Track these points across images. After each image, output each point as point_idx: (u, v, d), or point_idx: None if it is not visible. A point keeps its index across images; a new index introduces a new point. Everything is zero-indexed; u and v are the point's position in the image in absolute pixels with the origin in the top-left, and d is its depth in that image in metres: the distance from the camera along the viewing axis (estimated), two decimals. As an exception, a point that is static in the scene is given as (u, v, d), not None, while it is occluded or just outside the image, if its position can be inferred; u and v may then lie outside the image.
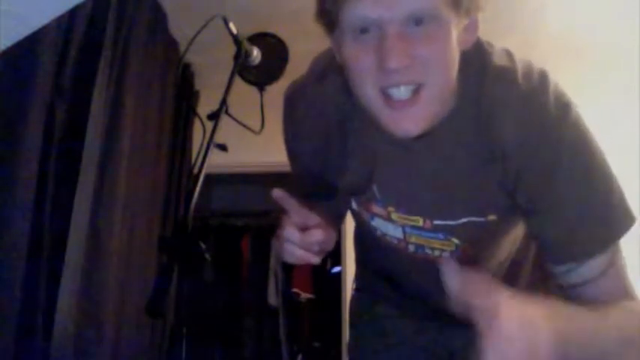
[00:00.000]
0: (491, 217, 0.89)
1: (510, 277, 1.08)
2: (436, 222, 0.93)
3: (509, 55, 0.87)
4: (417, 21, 0.74)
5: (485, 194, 0.87)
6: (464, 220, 0.90)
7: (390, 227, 0.98)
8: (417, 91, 0.76)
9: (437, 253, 0.97)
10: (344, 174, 0.98)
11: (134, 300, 2.06)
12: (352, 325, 1.29)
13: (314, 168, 1.01)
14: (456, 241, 0.94)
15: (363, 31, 0.75)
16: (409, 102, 0.76)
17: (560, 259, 0.84)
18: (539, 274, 1.10)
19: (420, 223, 0.94)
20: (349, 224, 1.22)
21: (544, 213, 0.84)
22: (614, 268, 0.83)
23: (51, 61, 1.67)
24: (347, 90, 0.87)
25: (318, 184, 1.03)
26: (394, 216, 0.96)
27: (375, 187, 0.95)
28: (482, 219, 0.89)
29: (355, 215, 1.08)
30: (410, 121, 0.77)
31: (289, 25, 2.10)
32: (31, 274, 1.52)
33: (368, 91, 0.78)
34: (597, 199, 0.82)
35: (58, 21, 1.67)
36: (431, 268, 1.00)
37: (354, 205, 1.02)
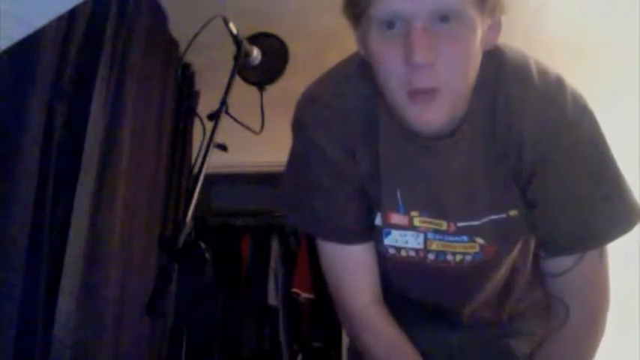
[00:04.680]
0: (513, 213, 0.92)
1: (510, 280, 1.09)
2: (460, 224, 0.93)
3: (524, 54, 0.89)
4: (443, 18, 0.75)
5: (503, 191, 0.90)
6: (486, 219, 0.92)
7: (410, 237, 0.97)
8: (437, 88, 0.78)
9: (458, 258, 0.97)
10: (373, 184, 0.96)
11: (134, 300, 2.06)
12: None
13: (342, 186, 0.97)
14: (480, 241, 0.95)
15: (390, 25, 0.77)
16: (430, 96, 0.78)
17: (558, 251, 0.91)
18: (537, 277, 1.12)
19: (444, 227, 0.94)
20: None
21: (551, 208, 0.89)
22: (599, 261, 0.90)
23: (51, 61, 1.67)
24: (370, 94, 0.89)
25: (347, 211, 0.98)
26: (417, 221, 0.95)
27: (398, 192, 0.94)
28: (504, 215, 0.92)
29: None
30: (431, 114, 0.79)
31: (289, 25, 2.10)
32: (31, 274, 1.52)
33: (393, 87, 0.79)
34: (604, 199, 0.88)
35: (58, 21, 1.67)
36: (444, 277, 1.02)
37: (377, 221, 0.98)
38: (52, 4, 1.40)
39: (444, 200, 0.93)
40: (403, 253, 0.99)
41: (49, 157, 1.64)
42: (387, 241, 0.98)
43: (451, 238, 0.95)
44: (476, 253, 0.96)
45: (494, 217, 0.92)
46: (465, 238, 0.95)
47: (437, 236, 0.96)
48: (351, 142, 0.94)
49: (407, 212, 0.95)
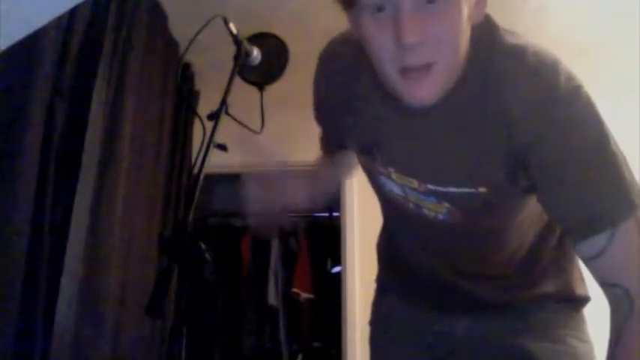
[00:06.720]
0: (482, 190, 0.92)
1: (530, 260, 1.08)
2: (429, 186, 0.97)
3: (518, 35, 0.91)
4: None
5: (481, 166, 0.90)
6: (452, 189, 0.94)
7: (394, 186, 1.04)
8: (429, 64, 0.81)
9: (432, 214, 1.02)
10: (352, 134, 1.05)
11: (134, 300, 2.06)
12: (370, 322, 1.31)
13: (332, 122, 1.11)
14: (446, 205, 0.98)
15: (380, 8, 0.80)
16: (423, 73, 0.81)
17: (583, 232, 0.84)
18: (561, 257, 1.11)
19: (415, 185, 0.99)
20: (348, 222, 1.22)
21: (557, 188, 0.86)
22: (635, 231, 0.83)
23: (51, 61, 1.67)
24: (357, 56, 0.94)
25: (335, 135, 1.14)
26: (394, 176, 1.01)
27: (375, 149, 1.01)
28: (472, 190, 0.93)
29: (367, 171, 1.14)
30: (424, 90, 0.83)
31: (289, 25, 2.11)
32: (31, 273, 1.52)
33: (386, 68, 0.83)
34: (607, 174, 0.84)
35: (58, 21, 1.67)
36: (434, 230, 1.05)
37: (364, 161, 1.08)
38: (52, 4, 1.40)
39: (415, 162, 0.97)
40: (393, 194, 1.07)
41: (49, 156, 1.64)
42: (381, 179, 1.07)
43: (422, 196, 1.00)
44: (444, 214, 1.00)
45: (464, 189, 0.93)
46: (432, 199, 0.98)
47: (411, 192, 1.01)
48: (344, 95, 1.03)
49: (385, 167, 1.02)
